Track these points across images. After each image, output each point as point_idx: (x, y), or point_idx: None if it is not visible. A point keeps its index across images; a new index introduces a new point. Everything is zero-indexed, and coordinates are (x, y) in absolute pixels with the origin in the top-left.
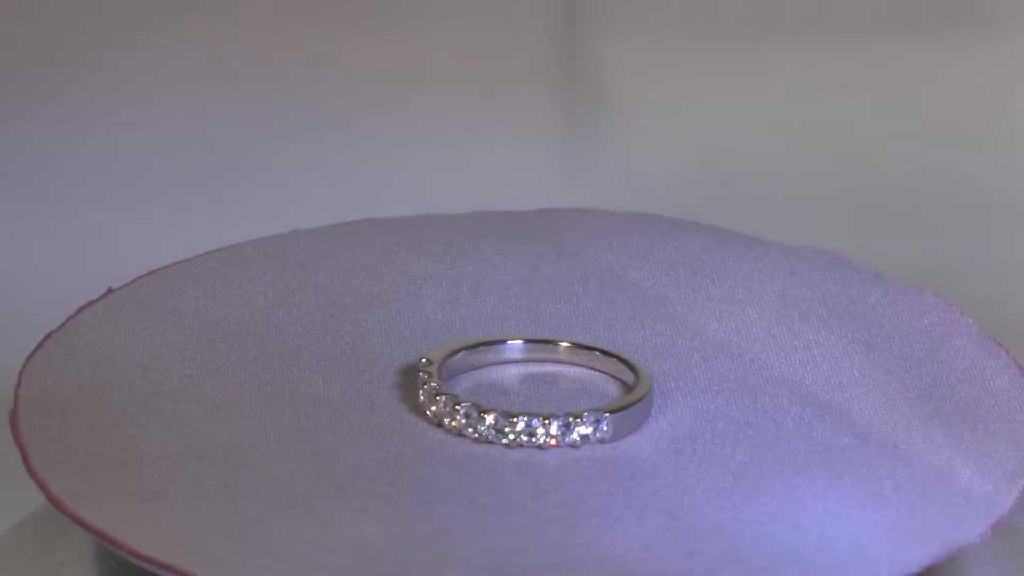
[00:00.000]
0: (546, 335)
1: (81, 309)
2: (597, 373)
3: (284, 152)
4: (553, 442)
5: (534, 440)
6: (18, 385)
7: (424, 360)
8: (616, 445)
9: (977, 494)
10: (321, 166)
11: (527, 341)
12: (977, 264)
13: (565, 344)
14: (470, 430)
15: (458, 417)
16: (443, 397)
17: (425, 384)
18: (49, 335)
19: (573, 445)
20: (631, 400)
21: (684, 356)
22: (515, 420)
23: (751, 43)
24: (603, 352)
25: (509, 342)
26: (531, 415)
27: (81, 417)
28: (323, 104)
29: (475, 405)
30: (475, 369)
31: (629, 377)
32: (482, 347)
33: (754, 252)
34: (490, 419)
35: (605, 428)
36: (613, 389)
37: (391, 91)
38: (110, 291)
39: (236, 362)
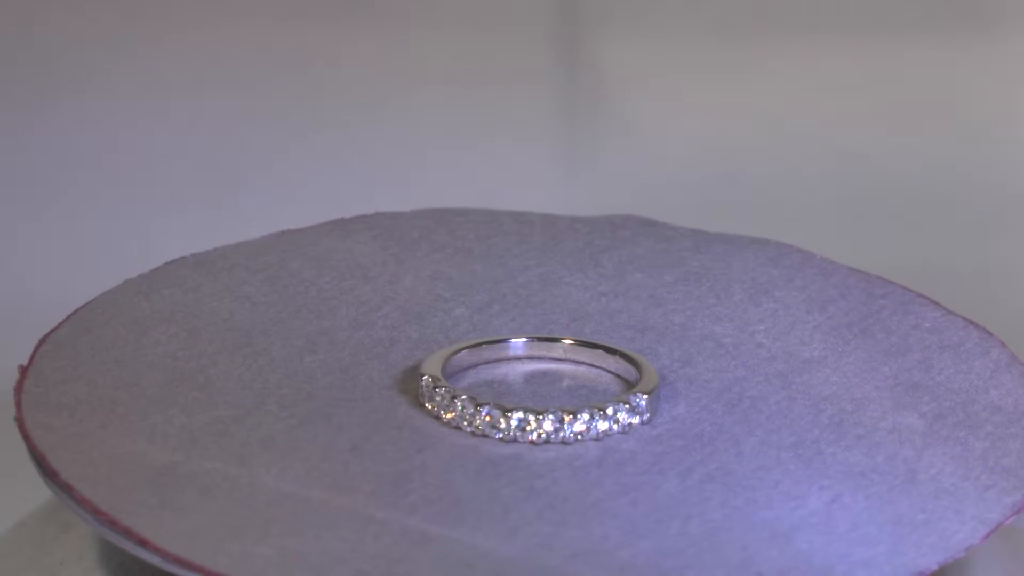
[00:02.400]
0: (549, 333)
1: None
2: (600, 370)
3: (284, 152)
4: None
5: (561, 435)
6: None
7: (426, 361)
8: (615, 442)
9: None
10: (321, 166)
11: (530, 339)
12: (977, 264)
13: (568, 342)
14: (492, 428)
15: (480, 416)
16: (460, 398)
17: (435, 387)
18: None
19: (607, 434)
20: (643, 390)
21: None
22: (541, 417)
23: (751, 43)
24: (607, 349)
25: (512, 340)
26: (557, 410)
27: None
28: (322, 104)
29: (498, 405)
30: (477, 367)
31: (633, 375)
32: (485, 345)
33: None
34: (517, 416)
35: (643, 406)
36: (615, 386)
37: (391, 91)
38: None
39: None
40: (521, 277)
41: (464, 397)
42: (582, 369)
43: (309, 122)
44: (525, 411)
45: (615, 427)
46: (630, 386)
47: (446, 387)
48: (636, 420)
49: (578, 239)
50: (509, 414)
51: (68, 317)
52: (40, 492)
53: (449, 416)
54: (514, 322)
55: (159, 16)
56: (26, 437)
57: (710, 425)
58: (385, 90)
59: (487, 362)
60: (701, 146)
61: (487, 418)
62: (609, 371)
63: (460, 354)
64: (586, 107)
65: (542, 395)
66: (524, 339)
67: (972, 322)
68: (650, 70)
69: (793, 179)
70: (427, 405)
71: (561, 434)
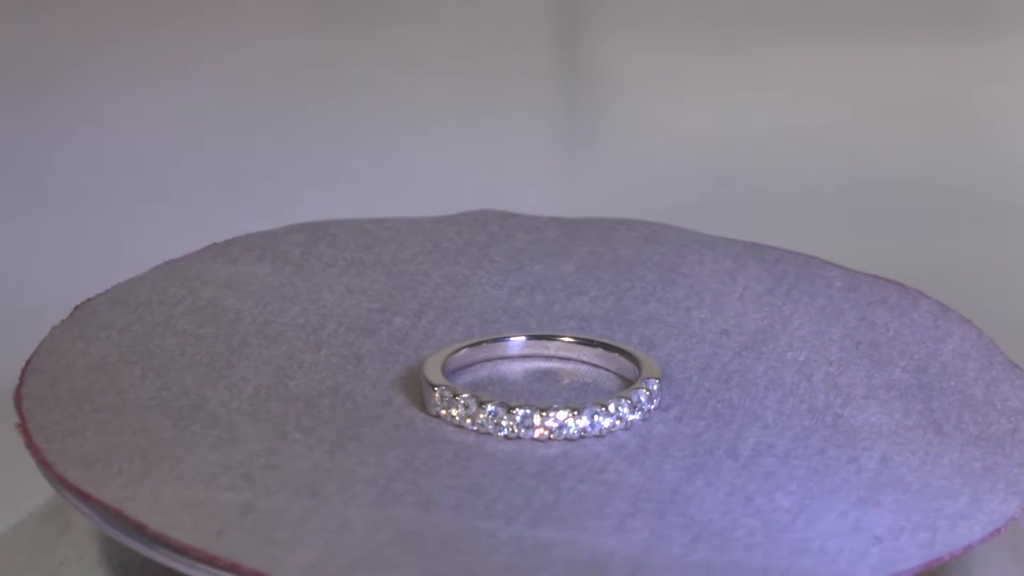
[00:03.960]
0: (549, 331)
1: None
2: (600, 369)
3: (284, 152)
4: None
5: (565, 432)
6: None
7: (428, 367)
8: (614, 439)
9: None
10: (321, 167)
11: (530, 337)
12: (977, 264)
13: (568, 339)
14: (527, 430)
15: (484, 414)
16: (463, 397)
17: (455, 395)
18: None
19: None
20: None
21: (646, 339)
22: (545, 414)
23: (751, 43)
24: (607, 346)
25: (512, 338)
26: (565, 407)
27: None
28: (323, 104)
29: (503, 403)
30: (478, 364)
31: (633, 372)
32: (485, 344)
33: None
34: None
35: (656, 391)
36: (615, 385)
37: (391, 91)
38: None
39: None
40: (428, 282)
41: (496, 404)
42: (582, 367)
43: (309, 123)
44: (567, 409)
45: (633, 417)
46: (628, 383)
47: (468, 395)
48: (653, 406)
49: (454, 238)
50: (546, 414)
51: (25, 370)
52: (40, 492)
53: (478, 424)
54: (457, 327)
55: (159, 16)
56: (89, 502)
57: (718, 402)
58: (385, 90)
59: (487, 360)
60: (701, 146)
61: (527, 420)
62: (606, 368)
63: (459, 353)
64: (586, 107)
65: (545, 393)
66: (524, 337)
67: (874, 275)
68: (650, 70)
69: (793, 179)
70: (451, 413)
71: (601, 427)
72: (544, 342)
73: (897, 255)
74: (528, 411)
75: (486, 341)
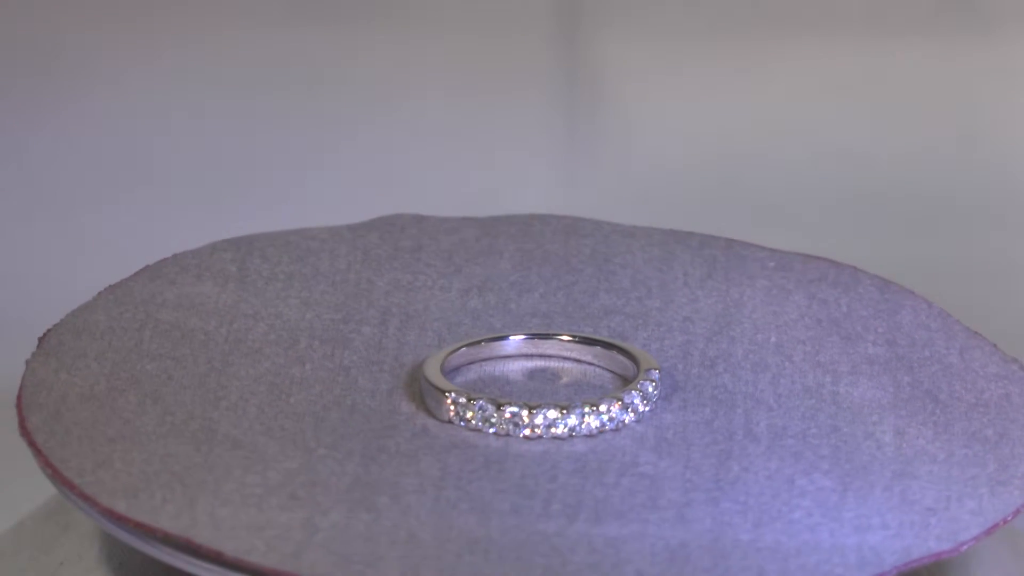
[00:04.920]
0: (547, 330)
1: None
2: (598, 367)
3: (284, 153)
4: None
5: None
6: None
7: (429, 370)
8: (630, 431)
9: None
10: (320, 167)
11: (529, 336)
12: (977, 264)
13: (566, 338)
14: (487, 424)
15: (481, 413)
16: (466, 398)
17: (471, 399)
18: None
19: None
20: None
21: (617, 332)
22: (599, 409)
23: (751, 43)
24: (605, 345)
25: (511, 337)
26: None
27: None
28: (322, 105)
29: (556, 404)
30: (477, 363)
31: (632, 371)
32: (484, 343)
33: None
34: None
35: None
36: (608, 379)
37: (391, 92)
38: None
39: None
40: (376, 289)
41: (513, 408)
42: (578, 366)
43: (310, 124)
44: (589, 405)
45: (644, 408)
46: (620, 376)
47: (483, 399)
48: (657, 396)
49: (379, 244)
50: (566, 411)
51: (21, 406)
52: (40, 492)
53: (493, 425)
54: (427, 332)
55: (159, 17)
56: (147, 531)
57: (713, 388)
58: (385, 90)
59: (484, 359)
60: (701, 146)
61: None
62: (601, 365)
63: (458, 352)
64: (586, 107)
65: (544, 391)
66: (522, 336)
67: (801, 253)
68: (650, 70)
69: (792, 179)
70: (468, 418)
71: (620, 421)
72: (538, 340)
73: (897, 255)
74: (548, 410)
75: (484, 341)
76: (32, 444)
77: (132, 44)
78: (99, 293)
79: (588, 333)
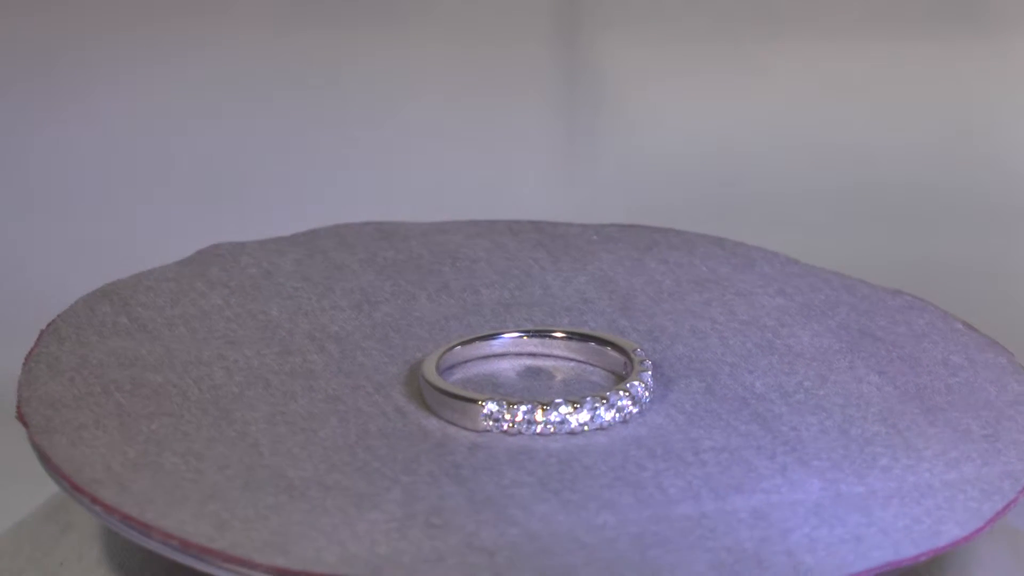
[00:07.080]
0: (541, 327)
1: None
2: (593, 365)
3: (283, 154)
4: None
5: (566, 425)
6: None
7: (425, 365)
8: (644, 422)
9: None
10: (320, 168)
11: (523, 333)
12: (976, 264)
13: (560, 334)
14: (563, 425)
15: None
16: (521, 409)
17: (484, 401)
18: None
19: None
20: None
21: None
22: (569, 407)
23: (751, 43)
24: (599, 341)
25: (505, 335)
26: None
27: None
28: (322, 105)
29: (569, 400)
30: (472, 361)
31: (627, 368)
32: (477, 341)
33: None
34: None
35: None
36: (600, 374)
37: (390, 92)
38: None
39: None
40: (345, 301)
41: (525, 408)
42: (575, 362)
43: (310, 124)
44: (598, 398)
45: (644, 399)
46: (620, 378)
47: (498, 399)
48: (649, 393)
49: (341, 256)
50: (576, 406)
51: (33, 434)
52: (40, 492)
53: (512, 426)
54: (412, 340)
55: (160, 17)
56: (255, 569)
57: (703, 380)
58: (385, 91)
59: (480, 358)
60: (701, 146)
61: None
62: (602, 366)
63: (452, 351)
64: (586, 107)
65: (539, 389)
66: (517, 334)
67: (757, 247)
68: (650, 70)
69: (792, 179)
70: (484, 421)
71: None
72: (535, 338)
73: (897, 255)
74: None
75: (478, 339)
76: (70, 480)
77: (132, 44)
78: (48, 325)
79: (584, 329)
